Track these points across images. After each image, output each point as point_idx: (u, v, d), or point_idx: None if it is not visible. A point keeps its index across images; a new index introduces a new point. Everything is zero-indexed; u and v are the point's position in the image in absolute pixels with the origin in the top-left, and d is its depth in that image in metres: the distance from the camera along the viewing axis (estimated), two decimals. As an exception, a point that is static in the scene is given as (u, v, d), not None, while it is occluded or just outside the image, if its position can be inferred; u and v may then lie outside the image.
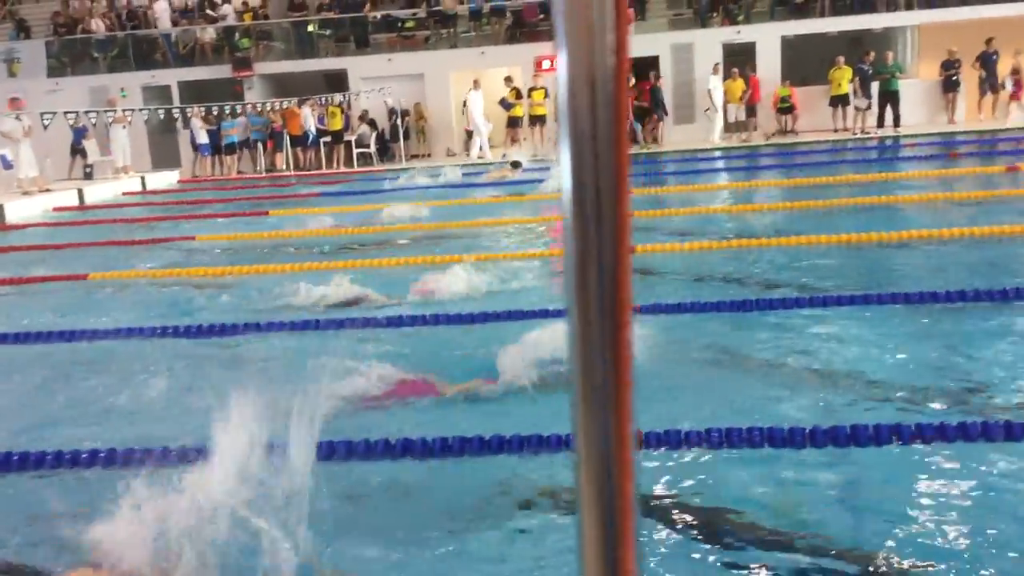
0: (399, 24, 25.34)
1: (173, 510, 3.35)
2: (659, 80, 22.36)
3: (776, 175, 16.54)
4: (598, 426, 0.62)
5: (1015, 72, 21.23)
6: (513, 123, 22.95)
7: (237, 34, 25.59)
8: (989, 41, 21.14)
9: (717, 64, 22.08)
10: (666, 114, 22.53)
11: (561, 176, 0.62)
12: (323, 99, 23.45)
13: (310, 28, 25.54)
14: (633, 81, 22.28)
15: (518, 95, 22.75)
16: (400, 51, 24.79)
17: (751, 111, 22.39)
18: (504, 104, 22.80)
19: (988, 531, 3.59)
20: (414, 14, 25.36)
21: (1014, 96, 21.18)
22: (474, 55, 24.32)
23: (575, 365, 0.63)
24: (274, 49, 25.97)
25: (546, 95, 22.47)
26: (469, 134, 23.60)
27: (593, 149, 0.60)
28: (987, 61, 21.23)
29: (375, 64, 24.42)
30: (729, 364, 5.72)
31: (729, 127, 22.77)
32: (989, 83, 21.35)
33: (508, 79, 23.10)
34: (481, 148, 22.37)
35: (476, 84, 22.26)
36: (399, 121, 23.55)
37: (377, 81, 23.83)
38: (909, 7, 22.71)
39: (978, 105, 21.51)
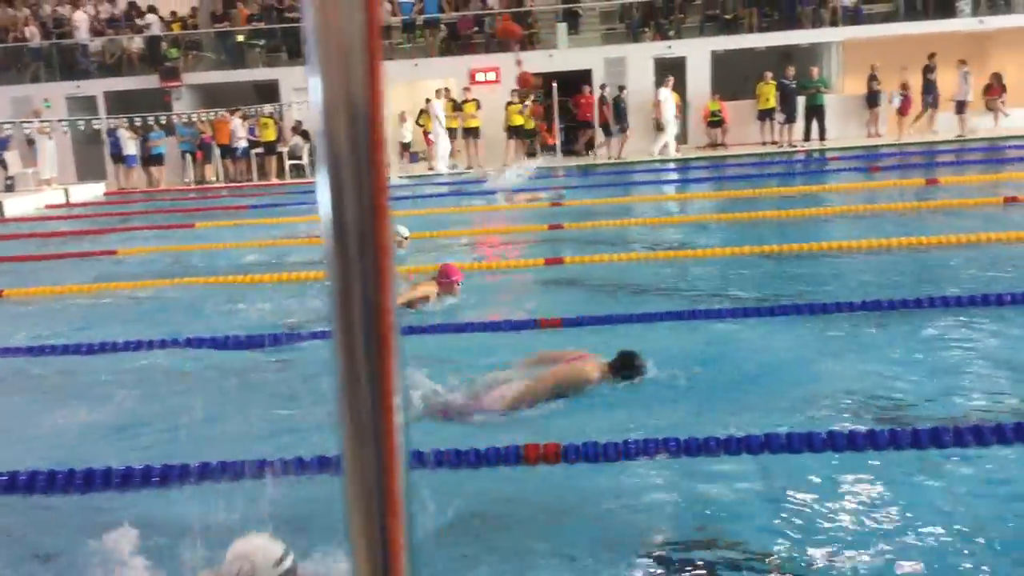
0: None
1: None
2: (623, 91, 22.41)
3: (708, 187, 16.80)
4: (364, 456, 0.60)
5: (903, 88, 21.83)
6: (449, 135, 22.98)
7: (165, 44, 25.14)
8: (931, 56, 21.67)
9: (669, 78, 22.22)
10: (626, 123, 22.48)
11: (319, 204, 0.61)
12: (254, 110, 23.15)
13: (240, 38, 25.20)
14: (589, 90, 22.51)
15: (454, 107, 22.76)
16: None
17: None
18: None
19: (908, 538, 3.65)
20: (346, 25, 25.14)
21: (901, 111, 21.76)
22: (408, 67, 24.24)
23: (339, 395, 0.62)
24: (203, 59, 25.58)
25: (478, 107, 22.50)
26: (404, 146, 23.50)
27: (352, 175, 0.59)
28: (927, 79, 21.67)
29: (300, 76, 24.20)
30: (655, 375, 5.74)
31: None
32: (930, 97, 21.81)
33: (446, 91, 23.11)
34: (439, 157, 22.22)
35: (439, 93, 22.18)
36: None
37: (302, 93, 23.60)
38: (834, 24, 23.30)
39: (916, 117, 21.92)
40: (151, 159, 22.81)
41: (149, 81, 24.47)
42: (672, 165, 20.92)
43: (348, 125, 0.58)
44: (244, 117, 23.00)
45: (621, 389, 5.35)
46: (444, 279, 7.43)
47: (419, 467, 4.43)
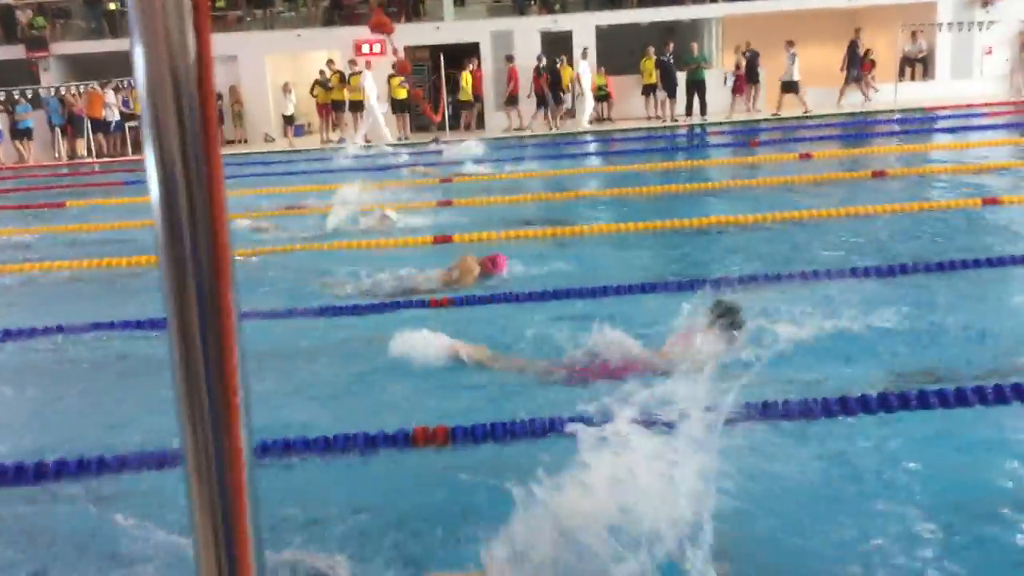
0: (210, 3, 24.27)
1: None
2: (561, 65, 22.51)
3: (601, 162, 16.95)
4: (205, 444, 0.58)
5: (736, 68, 22.59)
6: (337, 107, 22.60)
7: (31, 12, 23.78)
8: (857, 31, 22.35)
9: (586, 49, 22.37)
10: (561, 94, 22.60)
11: (148, 182, 0.58)
12: (127, 81, 22.18)
13: (112, 6, 24.06)
14: (476, 64, 22.43)
15: (341, 79, 22.35)
16: (212, 32, 23.74)
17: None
18: (324, 86, 22.50)
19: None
20: (226, -7, 24.41)
21: (735, 90, 22.51)
22: (291, 38, 23.67)
23: (176, 381, 0.60)
24: (72, 28, 24.32)
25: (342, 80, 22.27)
26: (288, 119, 22.90)
27: (181, 151, 0.57)
28: (852, 52, 22.31)
29: (184, 46, 23.31)
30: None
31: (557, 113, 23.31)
32: (853, 74, 22.36)
33: (330, 63, 22.67)
34: (371, 129, 21.95)
35: (369, 65, 22.08)
36: (212, 106, 22.61)
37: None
38: (713, 0, 23.83)
39: (840, 92, 22.51)
40: (18, 133, 21.64)
41: (14, 51, 23.15)
42: (575, 139, 21.00)
43: (176, 101, 0.56)
44: (117, 89, 22.03)
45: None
46: (491, 266, 7.58)
47: (308, 452, 4.38)
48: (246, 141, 23.53)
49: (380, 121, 21.94)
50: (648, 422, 3.57)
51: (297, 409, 4.97)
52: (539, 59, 22.49)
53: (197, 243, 0.56)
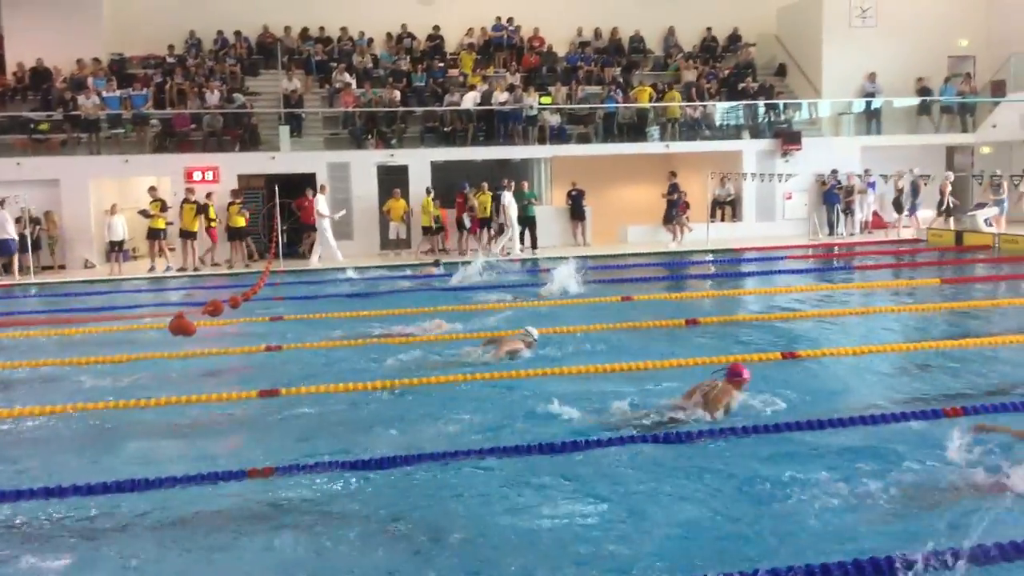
0: (31, 125, 23.46)
1: None
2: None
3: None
4: None
5: (470, 210, 23.66)
6: (154, 235, 21.79)
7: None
8: (672, 174, 24.31)
9: (510, 181, 23.05)
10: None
11: None
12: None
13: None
14: (312, 194, 22.57)
15: (163, 207, 21.72)
16: (32, 155, 22.89)
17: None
18: (144, 214, 21.80)
19: None
20: (48, 116, 23.63)
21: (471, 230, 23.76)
22: (117, 162, 23.10)
23: None
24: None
25: (198, 210, 21.77)
26: (113, 245, 21.86)
27: None
28: (673, 191, 24.19)
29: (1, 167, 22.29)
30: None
31: (388, 244, 23.63)
32: (671, 211, 24.16)
33: (152, 189, 22.13)
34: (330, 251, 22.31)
35: (323, 189, 22.74)
36: (28, 231, 21.47)
37: (3, 187, 21.68)
38: (542, 141, 25.14)
39: (670, 230, 24.17)
40: None
41: None
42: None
43: None
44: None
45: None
46: (735, 377, 7.90)
47: None
48: (64, 267, 22.44)
49: (331, 242, 22.55)
50: None
51: None
52: (463, 187, 23.29)
53: None
